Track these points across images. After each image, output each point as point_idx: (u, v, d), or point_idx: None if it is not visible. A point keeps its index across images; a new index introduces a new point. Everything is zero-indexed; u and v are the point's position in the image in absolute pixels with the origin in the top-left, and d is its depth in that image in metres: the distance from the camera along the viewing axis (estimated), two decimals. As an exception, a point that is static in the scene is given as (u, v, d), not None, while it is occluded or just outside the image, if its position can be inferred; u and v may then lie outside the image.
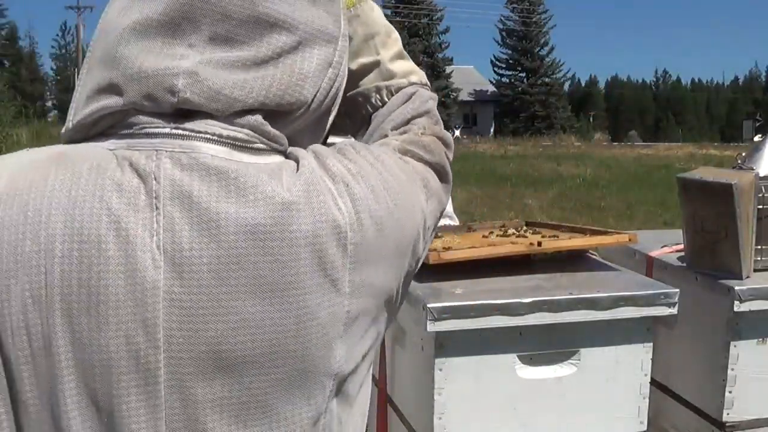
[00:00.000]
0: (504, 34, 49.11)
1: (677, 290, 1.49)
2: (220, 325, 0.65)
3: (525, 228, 1.90)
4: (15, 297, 0.64)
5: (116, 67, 0.69)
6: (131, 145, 0.68)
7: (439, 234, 1.76)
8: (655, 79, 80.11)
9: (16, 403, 0.65)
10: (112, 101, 0.69)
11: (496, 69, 49.94)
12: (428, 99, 0.94)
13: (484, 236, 1.81)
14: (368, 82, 0.94)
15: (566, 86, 57.43)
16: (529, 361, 1.44)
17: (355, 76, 0.93)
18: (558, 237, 1.74)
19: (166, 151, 0.67)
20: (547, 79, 48.17)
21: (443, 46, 45.42)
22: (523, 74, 48.67)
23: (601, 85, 76.49)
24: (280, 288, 0.67)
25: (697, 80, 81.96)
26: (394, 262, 0.76)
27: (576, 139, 39.32)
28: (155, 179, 0.66)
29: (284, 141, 0.73)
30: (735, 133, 51.75)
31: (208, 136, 0.69)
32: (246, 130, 0.70)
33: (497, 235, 1.81)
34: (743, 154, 1.72)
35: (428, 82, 0.98)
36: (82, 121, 0.71)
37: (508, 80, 49.38)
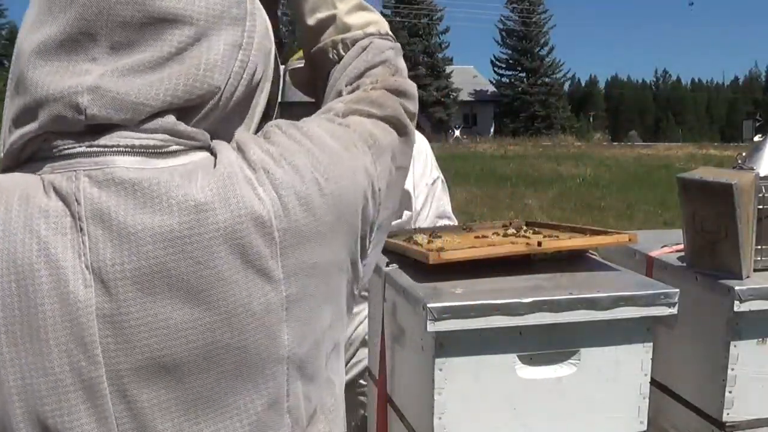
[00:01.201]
0: (504, 34, 49.16)
1: (677, 290, 1.48)
2: (153, 333, 0.67)
3: (525, 228, 1.90)
4: None
5: (28, 93, 0.69)
6: (54, 168, 0.69)
7: (439, 234, 1.76)
8: (655, 79, 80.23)
9: None
10: (28, 128, 0.70)
11: (496, 69, 50.03)
12: (386, 49, 0.90)
13: (483, 236, 1.81)
14: (326, 38, 0.91)
15: (566, 86, 57.60)
16: (529, 361, 1.44)
17: (314, 33, 0.91)
18: (558, 237, 1.73)
19: (84, 171, 0.68)
20: (547, 79, 48.20)
21: (443, 46, 45.42)
22: (523, 74, 48.69)
23: (601, 85, 76.62)
24: (204, 288, 0.67)
25: (697, 80, 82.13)
26: (338, 233, 0.75)
27: (576, 139, 39.33)
28: (77, 201, 0.67)
29: (203, 136, 0.73)
30: (735, 133, 51.70)
31: (121, 148, 0.69)
32: (159, 135, 0.70)
33: (497, 235, 1.81)
34: (743, 154, 1.71)
35: (389, 32, 0.93)
36: (11, 150, 0.71)
37: (508, 80, 49.43)
